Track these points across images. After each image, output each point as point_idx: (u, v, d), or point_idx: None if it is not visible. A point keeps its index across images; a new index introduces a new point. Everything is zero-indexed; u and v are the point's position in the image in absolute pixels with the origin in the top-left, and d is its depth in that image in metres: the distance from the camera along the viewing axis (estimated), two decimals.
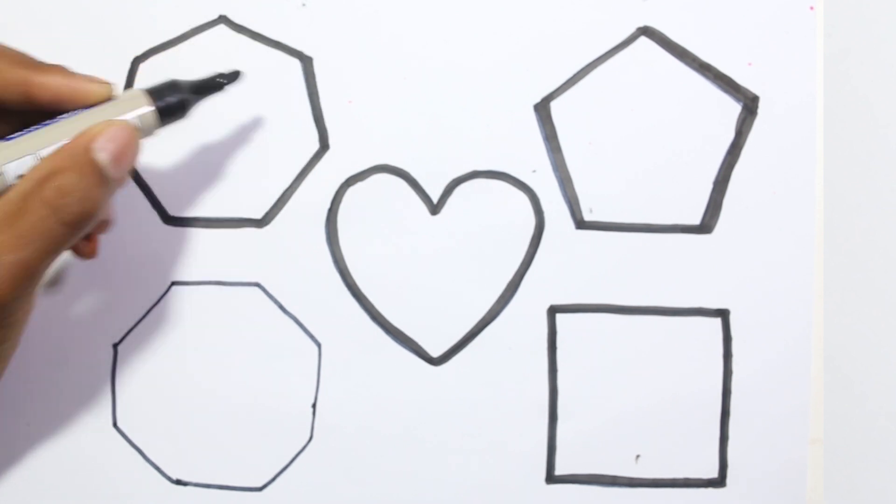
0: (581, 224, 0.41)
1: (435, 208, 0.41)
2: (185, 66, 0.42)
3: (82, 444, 0.41)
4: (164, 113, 0.34)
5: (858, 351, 0.41)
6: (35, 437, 0.41)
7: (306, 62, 0.42)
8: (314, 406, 0.41)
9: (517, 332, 0.41)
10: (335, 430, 0.41)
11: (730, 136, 0.41)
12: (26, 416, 0.41)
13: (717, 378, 0.41)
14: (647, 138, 0.41)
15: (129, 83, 0.42)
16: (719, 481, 0.41)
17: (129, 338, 0.41)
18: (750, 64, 0.41)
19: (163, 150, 0.42)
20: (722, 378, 0.41)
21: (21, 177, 0.31)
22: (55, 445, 0.41)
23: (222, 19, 0.42)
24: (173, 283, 0.41)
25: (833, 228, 0.41)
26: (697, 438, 0.41)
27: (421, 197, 0.41)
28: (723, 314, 0.41)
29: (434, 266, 0.41)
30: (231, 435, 0.41)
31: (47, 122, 0.32)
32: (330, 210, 0.41)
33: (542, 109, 0.41)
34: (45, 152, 0.31)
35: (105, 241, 0.41)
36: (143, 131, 0.34)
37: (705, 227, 0.41)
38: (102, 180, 0.31)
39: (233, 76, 0.37)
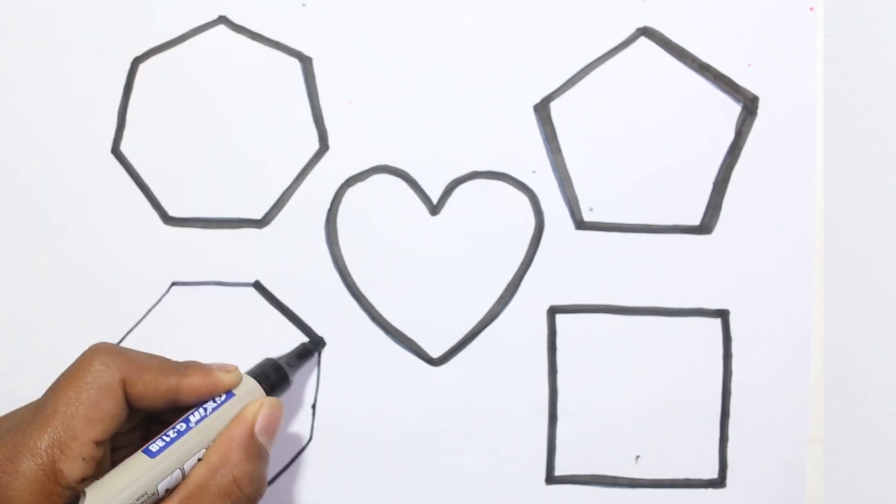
0: (581, 224, 0.41)
1: (435, 209, 0.41)
2: (185, 66, 0.42)
3: None
4: (274, 391, 0.37)
5: (858, 351, 0.41)
6: None
7: (306, 62, 0.42)
8: (314, 406, 0.41)
9: (517, 332, 0.41)
10: (335, 430, 0.41)
11: (730, 136, 0.41)
12: None
13: (716, 378, 0.41)
14: (646, 139, 0.41)
15: (129, 83, 0.42)
16: (719, 482, 0.41)
17: (129, 338, 0.41)
18: (750, 64, 0.40)
19: (163, 151, 0.42)
20: (722, 378, 0.41)
21: (168, 490, 0.32)
22: None
23: (222, 20, 0.42)
24: (173, 284, 0.41)
25: (833, 228, 0.41)
26: (697, 439, 0.41)
27: (421, 197, 0.41)
28: (723, 315, 0.41)
29: (434, 266, 0.41)
30: None
31: (183, 425, 0.33)
32: (330, 210, 0.41)
33: (542, 110, 0.41)
34: (189, 464, 0.33)
35: (105, 241, 0.41)
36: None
37: (705, 227, 0.41)
38: (264, 459, 0.34)
39: (319, 342, 0.41)
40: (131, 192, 0.41)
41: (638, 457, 0.41)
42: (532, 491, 0.41)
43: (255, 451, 0.34)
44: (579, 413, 0.41)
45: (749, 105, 0.41)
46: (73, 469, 0.31)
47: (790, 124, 0.41)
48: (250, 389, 0.35)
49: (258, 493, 0.33)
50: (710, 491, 0.41)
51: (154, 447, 0.32)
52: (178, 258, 0.41)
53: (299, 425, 0.41)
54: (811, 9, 0.40)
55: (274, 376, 0.37)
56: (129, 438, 0.34)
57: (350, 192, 0.41)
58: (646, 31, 0.41)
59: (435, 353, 0.41)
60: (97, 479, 0.31)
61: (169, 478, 0.32)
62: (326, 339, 0.41)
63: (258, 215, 0.41)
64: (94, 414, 0.31)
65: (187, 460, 0.33)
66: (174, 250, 0.41)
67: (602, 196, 0.41)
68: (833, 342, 0.41)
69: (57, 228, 0.41)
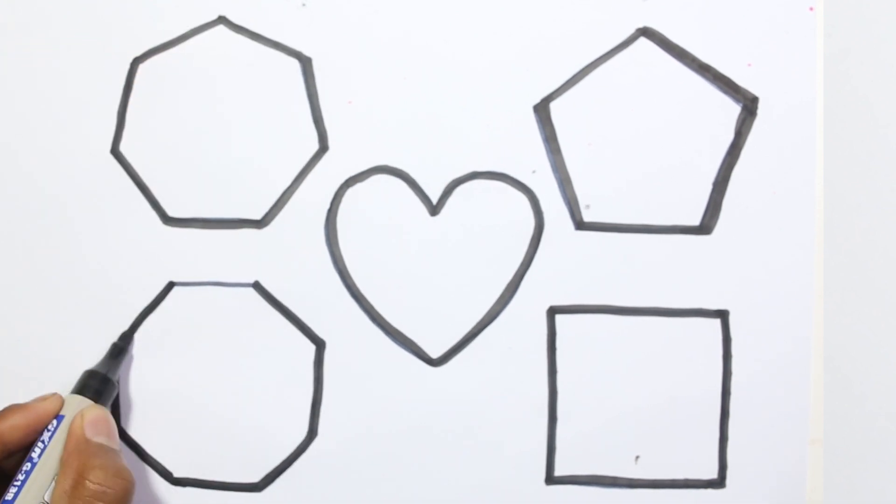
0: (580, 225, 0.41)
1: (435, 209, 0.41)
2: (185, 66, 0.42)
3: None
4: (102, 396, 0.38)
5: (858, 351, 0.41)
6: None
7: (306, 62, 0.42)
8: (314, 407, 0.41)
9: (517, 332, 0.41)
10: (335, 430, 0.41)
11: (729, 136, 0.41)
12: None
13: (716, 379, 0.41)
14: (646, 139, 0.41)
15: (129, 83, 0.41)
16: (719, 482, 0.41)
17: (128, 338, 0.41)
18: (749, 64, 0.40)
19: (162, 151, 0.42)
20: (721, 379, 0.41)
21: None
22: None
23: (222, 20, 0.42)
24: (173, 284, 0.41)
25: (833, 228, 0.41)
26: (697, 439, 0.41)
27: (420, 197, 0.41)
28: (722, 315, 0.41)
29: (434, 266, 0.41)
30: (231, 435, 0.41)
31: (28, 464, 0.35)
32: (329, 210, 0.41)
33: (542, 110, 0.41)
34: (50, 495, 0.34)
35: (105, 241, 0.41)
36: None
37: (705, 227, 0.41)
38: (110, 453, 0.35)
39: (128, 338, 0.41)
40: (131, 192, 0.41)
41: (638, 457, 0.41)
42: (532, 491, 0.41)
43: (96, 450, 0.34)
44: (579, 413, 0.41)
45: (749, 105, 0.40)
46: None
47: (790, 124, 0.41)
48: (77, 404, 0.37)
49: (125, 482, 0.34)
50: (710, 491, 0.41)
51: (9, 495, 0.33)
52: (177, 258, 0.41)
53: (299, 425, 0.41)
54: (811, 9, 0.40)
55: (95, 384, 0.38)
56: None
57: (350, 193, 0.41)
58: (646, 31, 0.41)
59: (435, 353, 0.41)
60: None
61: None
62: (326, 340, 0.41)
63: (258, 215, 0.41)
64: None
65: (47, 491, 0.34)
66: (174, 251, 0.41)
67: (602, 196, 0.41)
68: (833, 342, 0.41)
69: (56, 228, 0.41)
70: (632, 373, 0.41)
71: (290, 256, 0.41)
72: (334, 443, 0.41)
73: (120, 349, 0.40)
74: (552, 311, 0.41)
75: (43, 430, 0.36)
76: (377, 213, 0.41)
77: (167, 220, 0.41)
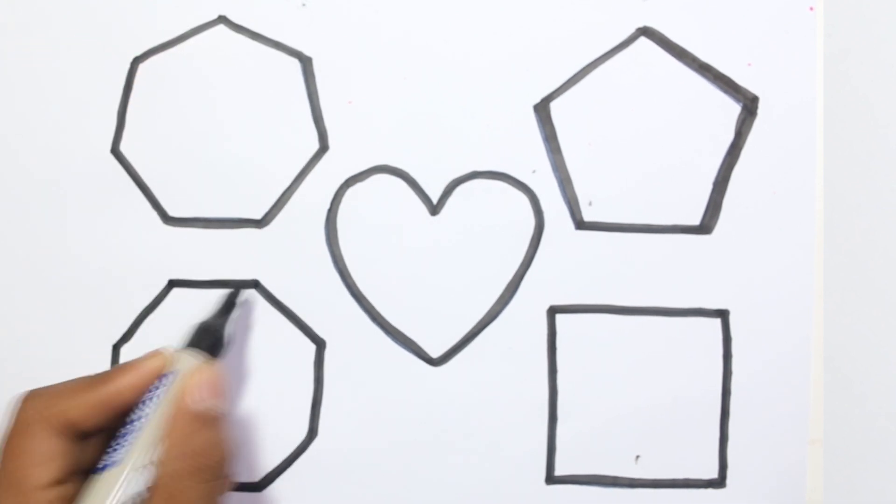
0: (581, 224, 0.41)
1: (435, 208, 0.41)
2: (185, 66, 0.42)
3: None
4: (213, 351, 0.36)
5: (858, 351, 0.41)
6: None
7: (306, 62, 0.42)
8: (314, 407, 0.41)
9: (517, 332, 0.41)
10: (335, 430, 0.41)
11: (729, 136, 0.41)
12: None
13: (716, 378, 0.41)
14: (646, 139, 0.41)
15: (129, 83, 0.42)
16: (719, 482, 0.41)
17: (128, 339, 0.41)
18: (750, 64, 0.40)
19: (163, 150, 0.42)
20: (722, 378, 0.41)
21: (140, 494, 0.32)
22: None
23: (222, 19, 0.42)
24: (173, 284, 0.41)
25: (833, 228, 0.41)
26: (697, 439, 0.41)
27: (421, 197, 0.41)
28: (722, 315, 0.41)
29: (434, 266, 0.41)
30: (231, 435, 0.41)
31: (128, 429, 0.33)
32: (330, 210, 0.41)
33: (542, 110, 0.41)
34: (143, 460, 0.33)
35: (105, 241, 0.41)
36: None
37: (705, 227, 0.41)
38: (215, 424, 0.33)
39: (239, 290, 0.39)
40: (131, 192, 0.41)
41: (638, 457, 0.41)
42: (532, 491, 0.41)
43: (201, 421, 0.33)
44: (579, 413, 0.41)
45: (749, 105, 0.41)
46: None
47: (790, 124, 0.41)
48: (186, 362, 0.35)
49: (225, 458, 0.33)
50: (710, 491, 0.41)
51: (110, 458, 0.32)
52: (177, 258, 0.41)
53: (299, 425, 0.41)
54: (811, 9, 0.40)
55: (207, 340, 0.36)
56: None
57: (350, 192, 0.41)
58: (646, 31, 0.41)
59: (435, 353, 0.41)
60: None
61: (146, 476, 0.32)
62: (327, 339, 0.41)
63: (258, 215, 0.41)
64: (34, 460, 0.31)
65: (148, 454, 0.32)
66: (174, 250, 0.41)
67: (602, 196, 0.41)
68: (833, 342, 0.41)
69: (56, 228, 0.41)
70: (632, 373, 0.41)
71: (291, 256, 0.41)
72: (334, 443, 0.41)
73: (232, 303, 0.39)
74: (552, 311, 0.41)
75: (149, 390, 0.34)
76: (377, 213, 0.41)
77: (167, 219, 0.41)
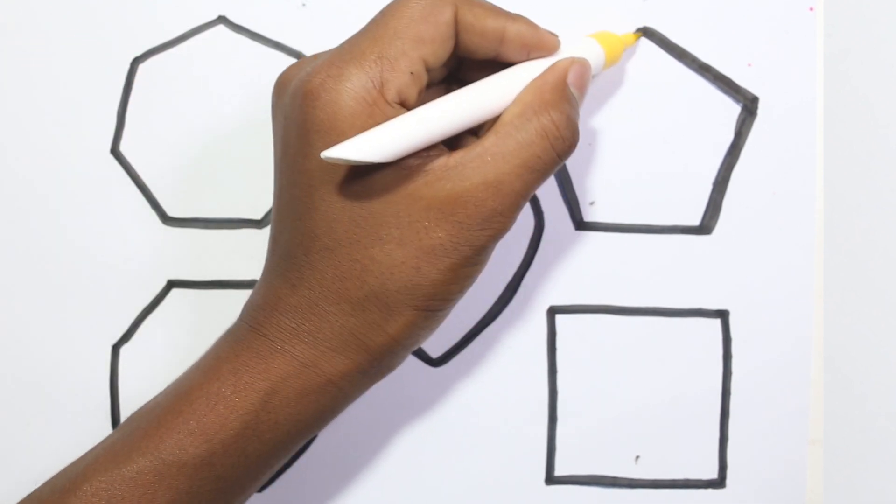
0: (581, 225, 0.41)
1: None
2: (185, 66, 0.42)
3: (82, 445, 0.41)
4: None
5: (858, 351, 0.41)
6: (35, 437, 0.41)
7: None
8: None
9: (517, 332, 0.41)
10: (335, 430, 0.41)
11: (729, 136, 0.41)
12: (26, 416, 0.41)
13: (716, 378, 0.41)
14: (646, 139, 0.41)
15: (129, 83, 0.42)
16: (719, 482, 0.41)
17: (128, 339, 0.41)
18: (750, 65, 0.40)
19: (162, 150, 0.42)
20: (721, 378, 0.41)
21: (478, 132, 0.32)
22: (55, 446, 0.41)
23: (222, 19, 0.42)
24: (173, 284, 0.41)
25: (833, 228, 0.41)
26: (697, 439, 0.41)
27: None
28: (722, 315, 0.41)
29: None
30: None
31: (509, 68, 0.33)
32: None
33: None
34: (499, 108, 0.32)
35: (104, 241, 0.41)
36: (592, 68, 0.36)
37: (705, 227, 0.41)
38: (577, 109, 0.33)
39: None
40: (131, 192, 0.41)
41: (638, 457, 0.41)
42: (532, 491, 0.41)
43: (570, 97, 0.32)
44: (579, 413, 0.41)
45: (749, 105, 0.40)
46: (400, 83, 0.30)
47: (790, 124, 0.41)
48: (578, 48, 0.35)
49: (575, 139, 0.32)
50: (710, 491, 0.41)
51: (472, 89, 0.32)
52: (177, 258, 0.41)
53: None
54: (811, 9, 0.40)
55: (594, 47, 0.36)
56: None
57: None
58: (646, 31, 0.41)
59: (435, 353, 0.41)
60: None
61: (476, 117, 0.32)
62: None
63: (258, 215, 0.41)
64: (426, 32, 0.31)
65: (496, 105, 0.32)
66: (173, 250, 0.41)
67: (602, 196, 0.41)
68: (833, 342, 0.41)
69: (55, 228, 0.41)
70: (632, 373, 0.41)
71: None
72: (334, 443, 0.41)
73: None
74: (552, 311, 0.41)
75: (527, 54, 0.33)
76: None
77: (167, 219, 0.41)
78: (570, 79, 0.33)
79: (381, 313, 0.31)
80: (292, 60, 0.41)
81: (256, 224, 0.41)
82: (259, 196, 0.41)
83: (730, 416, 0.41)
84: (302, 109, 0.30)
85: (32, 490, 0.32)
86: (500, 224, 0.31)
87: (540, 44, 0.33)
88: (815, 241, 0.41)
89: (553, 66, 0.33)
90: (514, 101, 0.32)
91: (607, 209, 0.41)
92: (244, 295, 0.41)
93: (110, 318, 0.41)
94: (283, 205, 0.32)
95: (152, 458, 0.30)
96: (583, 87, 0.33)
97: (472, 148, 0.31)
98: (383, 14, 0.31)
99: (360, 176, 0.30)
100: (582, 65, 0.33)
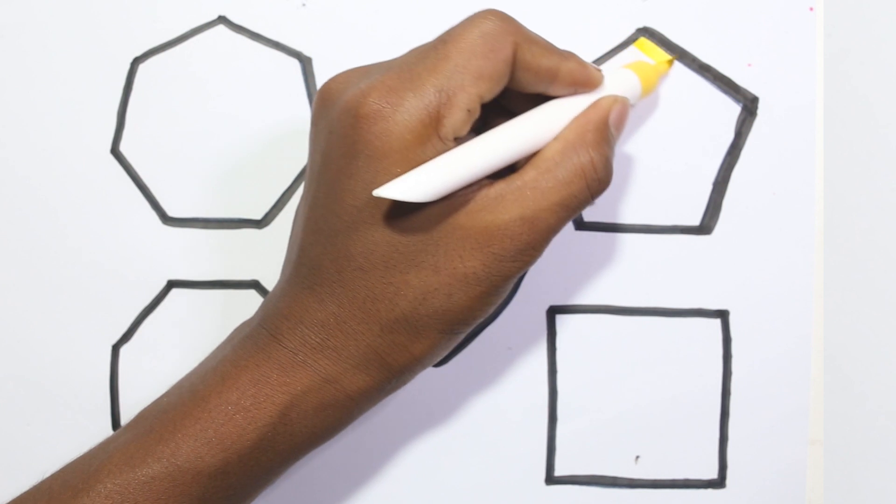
0: (581, 224, 0.41)
1: None
2: (185, 66, 0.42)
3: (82, 445, 0.41)
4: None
5: (858, 351, 0.41)
6: (35, 436, 0.41)
7: (306, 62, 0.42)
8: None
9: (517, 332, 0.41)
10: None
11: (730, 136, 0.41)
12: (26, 416, 0.41)
13: (716, 379, 0.41)
14: (647, 139, 0.41)
15: (129, 83, 0.42)
16: (719, 482, 0.41)
17: (128, 339, 0.41)
18: (750, 65, 0.40)
19: (162, 150, 0.42)
20: (721, 378, 0.41)
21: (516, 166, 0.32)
22: (55, 446, 0.41)
23: (222, 20, 0.42)
24: (172, 284, 0.41)
25: (833, 228, 0.41)
26: (697, 439, 0.41)
27: None
28: (722, 315, 0.41)
29: None
30: None
31: (547, 104, 0.34)
32: None
33: None
34: (538, 145, 0.33)
35: (104, 241, 0.41)
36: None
37: (705, 227, 0.41)
38: (613, 150, 0.33)
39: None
40: (130, 192, 0.41)
41: (638, 457, 0.41)
42: (532, 491, 0.41)
43: (610, 137, 0.33)
44: (579, 413, 0.41)
45: (749, 105, 0.40)
46: (454, 119, 0.30)
47: (790, 124, 0.41)
48: (620, 82, 0.35)
49: (609, 180, 0.33)
50: (710, 491, 0.41)
51: (509, 126, 0.32)
52: (177, 258, 0.41)
53: None
54: (811, 9, 0.40)
55: (630, 81, 0.36)
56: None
57: None
58: (646, 31, 0.41)
59: None
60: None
61: (520, 153, 0.32)
62: None
63: (258, 215, 0.41)
64: (486, 69, 0.31)
65: (539, 140, 0.32)
66: (173, 250, 0.41)
67: (603, 196, 0.41)
68: (833, 342, 0.41)
69: (55, 228, 0.41)
70: (632, 372, 0.41)
71: None
72: (334, 443, 0.41)
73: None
74: (552, 311, 0.41)
75: (574, 91, 0.34)
76: None
77: (167, 219, 0.41)
78: (612, 118, 0.33)
79: (408, 335, 0.32)
80: (292, 60, 0.41)
81: (256, 224, 0.41)
82: (259, 196, 0.41)
83: (730, 416, 0.41)
84: (354, 130, 0.30)
85: (41, 479, 0.32)
86: (530, 257, 0.32)
87: (587, 82, 0.34)
88: (815, 241, 0.41)
89: (596, 104, 0.33)
90: (557, 137, 0.32)
91: (607, 209, 0.41)
92: (244, 295, 0.41)
93: (110, 318, 0.41)
94: (319, 217, 0.32)
95: (168, 464, 0.31)
96: (622, 126, 0.34)
97: (513, 180, 0.31)
98: (444, 42, 0.31)
99: (403, 204, 0.30)
100: (624, 104, 0.34)
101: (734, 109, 0.41)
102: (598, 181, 0.32)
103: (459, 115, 0.30)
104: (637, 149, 0.41)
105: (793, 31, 0.40)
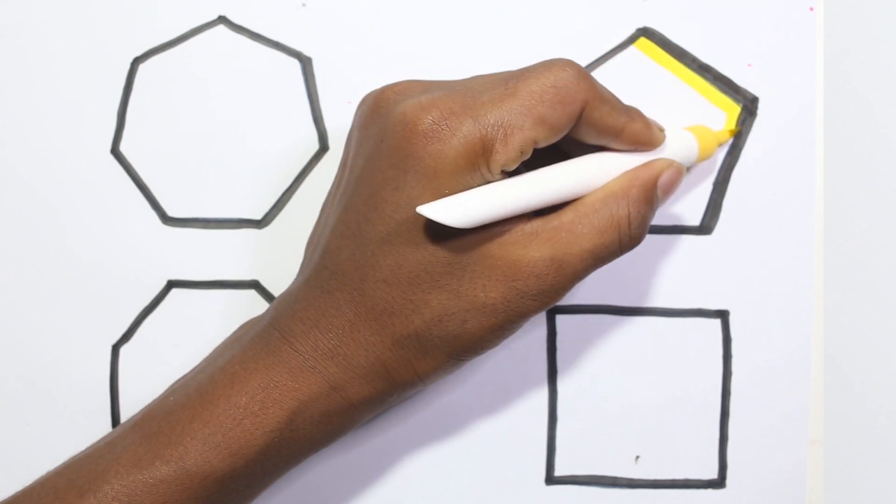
0: None
1: None
2: (185, 66, 0.42)
3: (82, 445, 0.41)
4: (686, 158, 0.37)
5: (858, 351, 0.41)
6: (35, 437, 0.41)
7: (305, 62, 0.42)
8: None
9: (517, 333, 0.41)
10: None
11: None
12: (26, 416, 0.41)
13: (716, 379, 0.41)
14: None
15: (129, 83, 0.42)
16: (719, 482, 0.41)
17: (128, 339, 0.41)
18: (750, 65, 0.40)
19: (162, 150, 0.42)
20: (721, 379, 0.41)
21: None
22: (55, 446, 0.41)
23: (222, 20, 0.42)
24: (172, 284, 0.41)
25: (833, 228, 0.41)
26: (697, 439, 0.41)
27: None
28: (722, 315, 0.41)
29: None
30: None
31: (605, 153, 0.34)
32: None
33: None
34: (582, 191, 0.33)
35: (104, 241, 0.41)
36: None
37: (705, 227, 0.41)
38: (654, 213, 0.34)
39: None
40: (130, 192, 0.41)
41: (638, 457, 0.41)
42: (532, 491, 0.41)
43: (654, 198, 0.33)
44: (579, 413, 0.41)
45: (749, 105, 0.41)
46: (506, 157, 0.30)
47: (790, 124, 0.41)
48: (673, 152, 0.35)
49: (641, 240, 0.33)
50: (710, 491, 0.41)
51: (556, 175, 0.32)
52: (177, 258, 0.41)
53: None
54: (811, 9, 0.40)
55: (686, 145, 0.36)
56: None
57: None
58: (646, 31, 0.41)
59: None
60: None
61: (565, 196, 0.32)
62: None
63: (258, 215, 0.41)
64: (551, 118, 0.31)
65: (585, 187, 0.32)
66: (173, 250, 0.41)
67: None
68: (833, 342, 0.41)
69: (55, 228, 0.41)
70: (632, 372, 0.41)
71: (290, 256, 0.41)
72: (334, 443, 0.41)
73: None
74: (552, 311, 0.41)
75: (635, 149, 0.34)
76: None
77: (167, 219, 0.41)
78: (662, 181, 0.33)
79: (417, 353, 0.32)
80: (292, 60, 0.41)
81: (256, 224, 0.41)
82: (259, 196, 0.41)
83: (730, 416, 0.41)
84: (408, 143, 0.30)
85: (45, 473, 0.32)
86: (551, 299, 0.32)
87: (648, 143, 0.34)
88: (815, 241, 0.41)
89: (650, 163, 0.34)
90: (602, 187, 0.33)
91: None
92: (244, 295, 0.41)
93: (110, 318, 0.41)
94: (352, 222, 0.32)
95: (176, 467, 0.31)
96: (670, 192, 0.34)
97: (550, 220, 0.32)
98: (515, 79, 0.31)
99: (442, 226, 0.30)
100: (677, 171, 0.34)
101: (734, 109, 0.41)
102: (629, 237, 0.32)
103: (512, 154, 0.30)
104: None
105: (793, 31, 0.40)
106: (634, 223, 0.32)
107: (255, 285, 0.41)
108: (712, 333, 0.41)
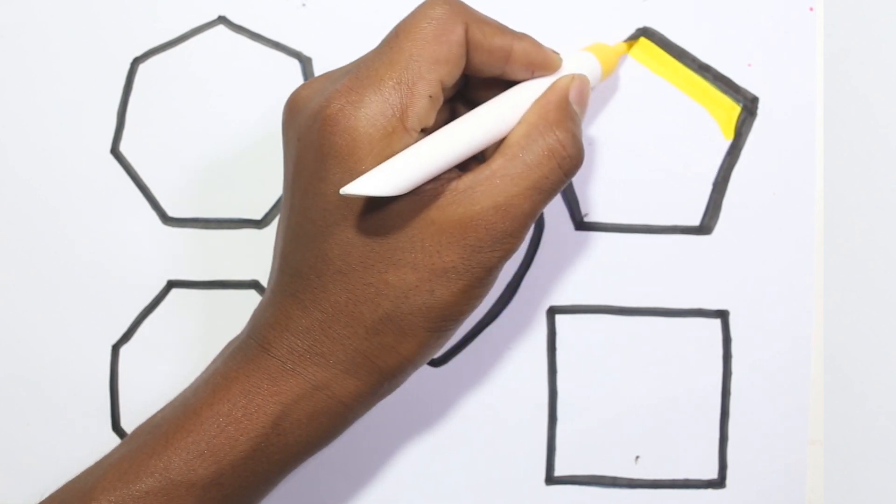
0: (580, 225, 0.41)
1: None
2: (185, 66, 0.42)
3: (82, 445, 0.41)
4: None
5: (858, 351, 0.41)
6: (35, 437, 0.41)
7: (306, 62, 0.42)
8: None
9: (517, 332, 0.41)
10: None
11: (729, 136, 0.41)
12: (26, 416, 0.41)
13: (716, 379, 0.41)
14: (647, 139, 0.41)
15: (129, 83, 0.42)
16: (719, 482, 0.41)
17: (128, 339, 0.41)
18: (750, 65, 0.40)
19: (162, 150, 0.42)
20: (721, 379, 0.41)
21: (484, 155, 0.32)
22: (55, 446, 0.41)
23: (222, 20, 0.42)
24: (172, 284, 0.41)
25: (833, 228, 0.41)
26: (697, 439, 0.41)
27: None
28: (722, 315, 0.41)
29: None
30: None
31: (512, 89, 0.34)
32: None
33: None
34: (503, 132, 0.32)
35: (104, 241, 0.41)
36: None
37: (705, 228, 0.41)
38: (580, 125, 0.33)
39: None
40: (130, 192, 0.41)
41: (638, 457, 0.41)
42: (532, 491, 0.41)
43: (573, 114, 0.33)
44: (579, 413, 0.41)
45: (749, 105, 0.40)
46: (418, 109, 0.30)
47: (790, 124, 0.41)
48: (572, 67, 0.35)
49: (580, 157, 0.32)
50: (710, 491, 0.41)
51: (474, 114, 0.32)
52: (177, 258, 0.41)
53: None
54: (811, 9, 0.40)
55: (589, 60, 0.36)
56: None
57: None
58: (646, 31, 0.41)
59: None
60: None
61: (486, 140, 0.32)
62: None
63: (258, 215, 0.41)
64: (440, 53, 0.31)
65: (503, 126, 0.32)
66: (173, 251, 0.41)
67: (602, 196, 0.41)
68: (833, 342, 0.41)
69: (55, 229, 0.41)
70: (632, 372, 0.41)
71: None
72: (334, 443, 0.41)
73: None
74: (552, 311, 0.41)
75: (531, 72, 0.34)
76: None
77: (167, 219, 0.41)
78: (572, 96, 0.33)
79: (395, 336, 0.31)
80: (292, 60, 0.41)
81: (256, 224, 0.41)
82: (259, 196, 0.41)
83: (730, 416, 0.41)
84: (320, 134, 0.30)
85: (40, 501, 0.32)
86: (510, 245, 0.31)
87: (544, 63, 0.34)
88: (815, 241, 0.41)
89: (554, 84, 0.33)
90: (520, 122, 0.32)
91: (607, 209, 0.41)
92: (244, 295, 0.41)
93: (110, 318, 0.41)
94: (295, 224, 0.32)
95: (161, 478, 0.31)
96: (584, 103, 0.34)
97: (481, 170, 0.31)
98: (396, 35, 0.31)
99: (375, 202, 0.30)
100: (582, 81, 0.34)
101: (734, 109, 0.41)
102: (568, 158, 0.32)
103: (422, 104, 0.30)
104: (638, 149, 0.41)
105: (793, 31, 0.40)
106: (567, 144, 0.32)
107: (255, 285, 0.41)
108: (712, 333, 0.41)
